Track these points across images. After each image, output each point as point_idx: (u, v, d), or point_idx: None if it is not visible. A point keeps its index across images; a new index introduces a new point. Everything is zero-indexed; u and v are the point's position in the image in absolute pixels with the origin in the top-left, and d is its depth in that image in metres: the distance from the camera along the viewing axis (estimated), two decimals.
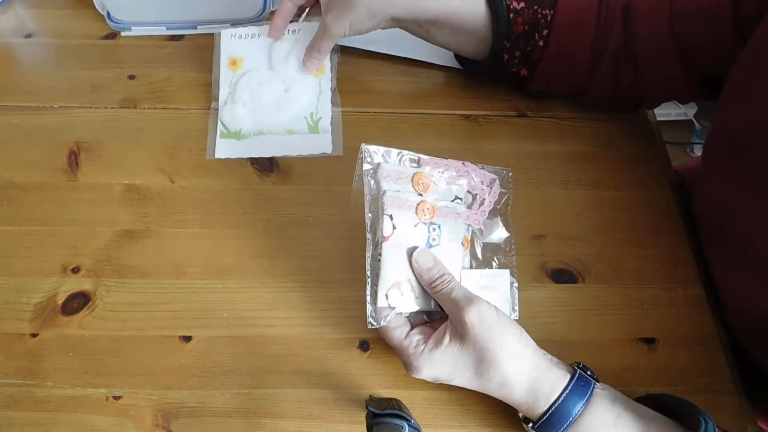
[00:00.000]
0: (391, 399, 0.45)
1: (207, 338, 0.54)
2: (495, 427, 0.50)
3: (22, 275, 0.56)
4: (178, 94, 0.68)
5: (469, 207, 0.52)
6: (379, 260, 0.48)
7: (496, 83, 0.68)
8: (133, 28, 0.73)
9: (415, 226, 0.49)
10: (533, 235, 0.60)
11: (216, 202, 0.61)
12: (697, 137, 1.64)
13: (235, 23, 0.73)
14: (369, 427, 0.42)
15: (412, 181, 0.50)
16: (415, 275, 0.49)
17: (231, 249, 0.58)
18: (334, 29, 0.59)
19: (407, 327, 0.49)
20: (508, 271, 0.52)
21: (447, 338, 0.46)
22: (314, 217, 0.60)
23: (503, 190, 0.54)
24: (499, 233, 0.54)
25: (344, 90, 0.69)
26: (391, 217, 0.49)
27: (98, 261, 0.57)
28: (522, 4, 0.58)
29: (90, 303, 0.55)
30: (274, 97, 0.67)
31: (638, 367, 0.53)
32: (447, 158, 0.52)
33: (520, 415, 0.47)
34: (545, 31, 0.58)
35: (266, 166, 0.63)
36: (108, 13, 0.73)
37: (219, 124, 0.65)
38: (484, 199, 0.52)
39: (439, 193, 0.51)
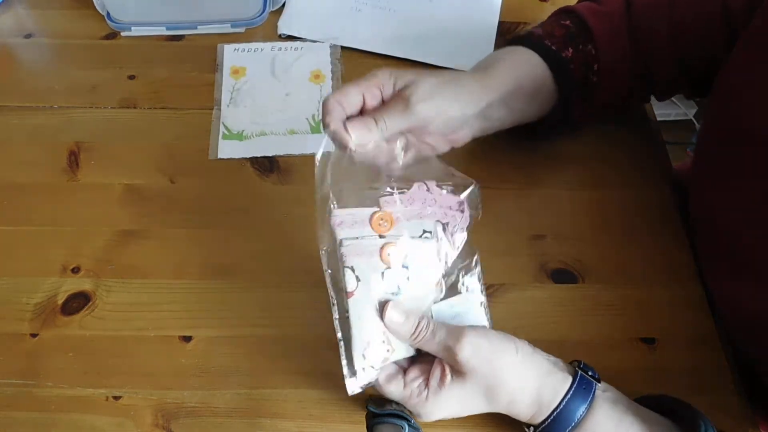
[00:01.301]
0: (391, 399, 0.45)
1: (207, 338, 0.54)
2: (495, 427, 0.50)
3: (22, 275, 0.56)
4: (178, 94, 0.68)
5: (439, 240, 0.47)
6: (347, 318, 0.44)
7: None
8: (133, 28, 0.73)
9: (383, 273, 0.44)
10: (533, 235, 0.60)
11: (216, 202, 0.61)
12: (697, 137, 1.64)
13: (235, 23, 0.73)
14: (369, 427, 0.43)
15: (371, 222, 0.45)
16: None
17: (231, 249, 0.58)
18: (421, 108, 0.48)
19: (400, 374, 0.46)
20: (476, 291, 0.48)
21: (448, 377, 0.44)
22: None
23: (473, 212, 0.48)
24: (465, 254, 0.48)
25: None
26: (352, 269, 0.43)
27: (98, 261, 0.57)
28: (571, 50, 0.57)
29: (90, 303, 0.55)
30: (276, 100, 0.68)
31: (638, 367, 0.53)
32: (410, 184, 0.47)
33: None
34: (595, 66, 0.58)
35: (266, 166, 0.63)
36: (108, 13, 0.73)
37: (221, 126, 0.65)
38: (454, 232, 0.47)
39: (405, 230, 0.45)
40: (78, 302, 0.55)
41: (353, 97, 0.48)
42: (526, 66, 0.56)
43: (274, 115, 0.67)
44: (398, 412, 0.43)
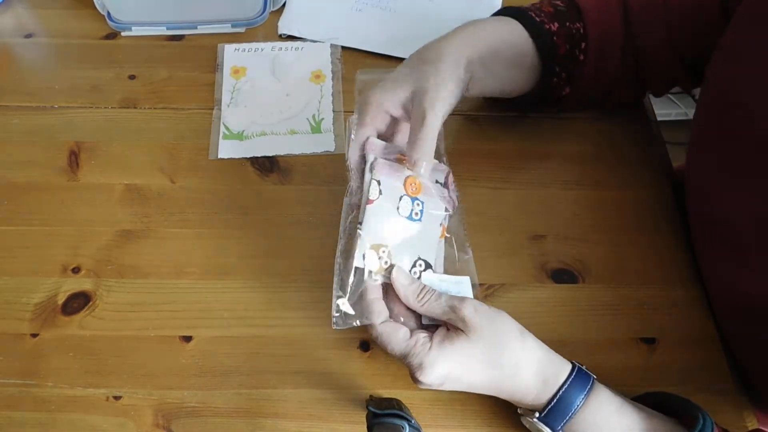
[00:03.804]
0: (391, 399, 0.45)
1: (207, 338, 0.54)
2: (495, 426, 0.50)
3: (22, 275, 0.56)
4: (178, 94, 0.68)
5: (446, 191, 0.53)
6: (360, 226, 0.48)
7: None
8: (133, 28, 0.73)
9: (401, 198, 0.50)
10: (533, 235, 0.60)
11: (216, 202, 0.61)
12: (692, 123, 1.63)
13: (236, 23, 0.73)
14: (369, 427, 0.43)
15: (398, 157, 0.51)
16: (393, 248, 0.48)
17: (231, 249, 0.58)
18: (436, 108, 0.50)
19: (407, 329, 0.47)
20: (468, 278, 0.51)
21: (453, 333, 0.45)
22: (314, 217, 0.60)
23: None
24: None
25: (345, 90, 0.69)
26: (378, 182, 0.49)
27: (98, 261, 0.57)
28: (556, 24, 0.58)
29: (90, 303, 0.55)
30: (276, 100, 0.68)
31: (638, 367, 0.53)
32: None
33: (520, 411, 0.48)
34: (582, 44, 0.58)
35: (266, 166, 0.63)
36: (108, 13, 0.73)
37: (221, 126, 0.65)
38: (453, 188, 0.54)
39: (425, 172, 0.51)
40: (78, 302, 0.55)
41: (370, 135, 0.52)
42: (506, 33, 0.57)
43: (274, 115, 0.67)
44: (398, 412, 0.43)
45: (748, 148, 0.48)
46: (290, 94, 0.68)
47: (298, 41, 0.73)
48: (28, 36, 0.74)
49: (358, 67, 0.71)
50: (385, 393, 0.51)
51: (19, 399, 0.51)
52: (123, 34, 0.73)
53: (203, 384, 0.52)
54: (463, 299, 0.46)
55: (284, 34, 0.73)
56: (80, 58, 0.71)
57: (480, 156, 0.64)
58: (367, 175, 0.50)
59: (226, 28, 0.73)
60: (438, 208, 0.52)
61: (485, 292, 0.56)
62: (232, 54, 0.71)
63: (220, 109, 0.67)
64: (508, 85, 0.59)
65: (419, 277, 0.49)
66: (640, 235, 0.60)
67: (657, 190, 0.63)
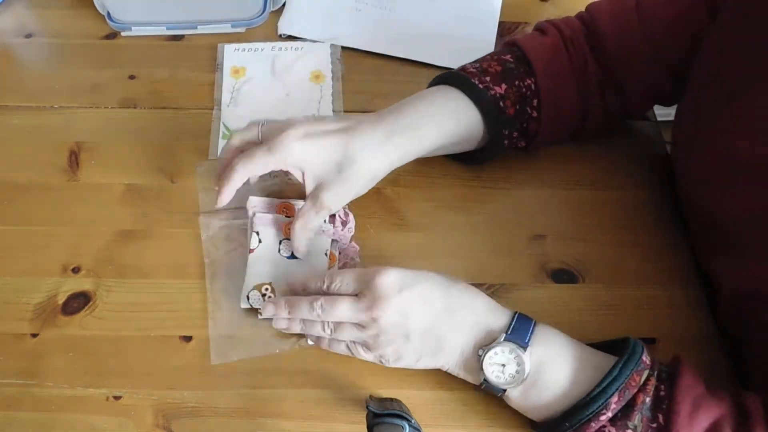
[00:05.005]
0: (391, 399, 0.45)
1: (207, 338, 0.53)
2: (496, 427, 0.50)
3: (22, 275, 0.56)
4: (178, 94, 0.68)
5: (333, 227, 0.56)
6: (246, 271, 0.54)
7: None
8: (133, 28, 0.73)
9: (281, 241, 0.55)
10: (533, 235, 0.60)
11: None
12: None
13: (236, 23, 0.73)
14: (369, 427, 0.42)
15: (277, 208, 0.57)
16: (277, 281, 0.54)
17: None
18: (334, 206, 0.53)
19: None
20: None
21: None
22: None
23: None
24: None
25: (345, 90, 0.69)
26: (258, 233, 0.55)
27: (98, 261, 0.57)
28: (504, 86, 0.57)
29: (90, 303, 0.55)
30: (276, 100, 0.68)
31: None
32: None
33: (481, 351, 0.47)
34: (535, 101, 0.58)
35: None
36: (108, 13, 0.73)
37: (221, 126, 0.65)
38: (344, 221, 0.57)
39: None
40: (78, 302, 0.55)
41: (260, 172, 0.53)
42: (452, 118, 0.56)
43: (274, 115, 0.66)
44: (399, 412, 0.42)
45: (750, 143, 0.48)
46: (290, 94, 0.68)
47: (298, 41, 0.73)
48: (28, 36, 0.74)
49: (357, 67, 0.71)
50: (385, 393, 0.51)
51: (19, 399, 0.51)
52: (123, 34, 0.73)
53: (203, 384, 0.51)
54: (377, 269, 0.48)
55: (284, 34, 0.73)
56: (80, 58, 0.72)
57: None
58: (249, 228, 0.56)
59: (226, 28, 0.73)
60: (320, 241, 0.55)
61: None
62: (232, 54, 0.71)
63: (220, 109, 0.67)
64: (451, 151, 0.60)
65: None
66: (640, 235, 0.60)
67: (657, 190, 0.63)
